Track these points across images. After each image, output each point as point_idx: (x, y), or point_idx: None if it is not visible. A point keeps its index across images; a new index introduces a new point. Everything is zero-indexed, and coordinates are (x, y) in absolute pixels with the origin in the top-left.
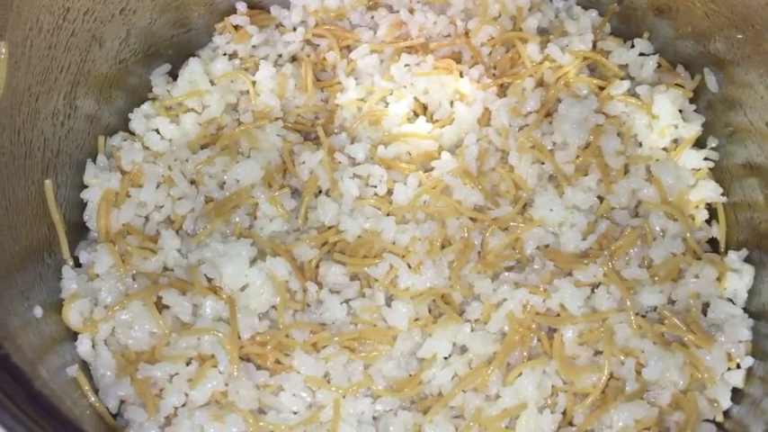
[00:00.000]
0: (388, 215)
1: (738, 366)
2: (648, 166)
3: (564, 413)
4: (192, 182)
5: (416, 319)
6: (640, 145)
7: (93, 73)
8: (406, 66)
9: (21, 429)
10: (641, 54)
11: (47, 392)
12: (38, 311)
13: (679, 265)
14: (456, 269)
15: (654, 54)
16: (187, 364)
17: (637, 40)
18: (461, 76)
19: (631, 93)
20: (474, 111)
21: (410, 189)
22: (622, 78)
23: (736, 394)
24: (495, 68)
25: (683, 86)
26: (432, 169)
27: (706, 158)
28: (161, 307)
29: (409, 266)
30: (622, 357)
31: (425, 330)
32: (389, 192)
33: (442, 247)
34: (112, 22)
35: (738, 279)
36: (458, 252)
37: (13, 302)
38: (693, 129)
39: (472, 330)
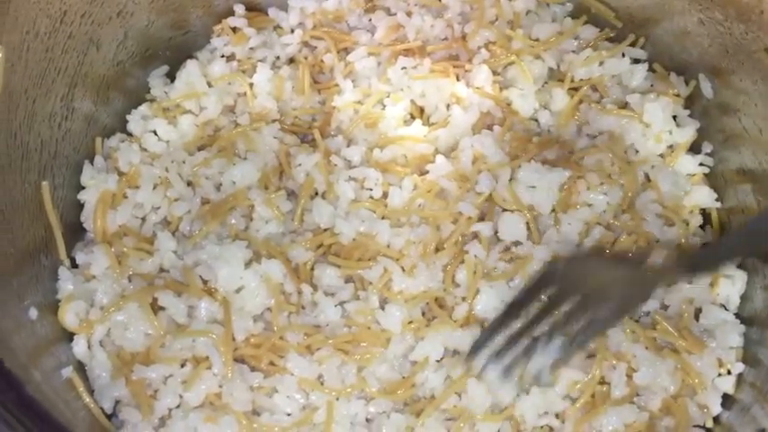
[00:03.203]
0: (383, 218)
1: (729, 372)
2: (646, 172)
3: (556, 416)
4: (189, 183)
5: (410, 322)
6: (637, 152)
7: (91, 75)
8: (403, 69)
9: None
10: (635, 61)
11: (39, 397)
12: (33, 313)
13: None
14: (450, 273)
15: (646, 62)
16: (182, 366)
17: (628, 49)
18: (458, 79)
19: (623, 102)
20: (470, 115)
21: (405, 192)
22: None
23: (727, 400)
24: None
25: (678, 94)
26: (427, 172)
27: (701, 164)
28: (156, 308)
29: (403, 270)
30: (614, 362)
31: (418, 333)
32: (385, 195)
33: (437, 250)
34: (110, 24)
35: (731, 285)
36: (451, 256)
37: (8, 304)
38: (688, 134)
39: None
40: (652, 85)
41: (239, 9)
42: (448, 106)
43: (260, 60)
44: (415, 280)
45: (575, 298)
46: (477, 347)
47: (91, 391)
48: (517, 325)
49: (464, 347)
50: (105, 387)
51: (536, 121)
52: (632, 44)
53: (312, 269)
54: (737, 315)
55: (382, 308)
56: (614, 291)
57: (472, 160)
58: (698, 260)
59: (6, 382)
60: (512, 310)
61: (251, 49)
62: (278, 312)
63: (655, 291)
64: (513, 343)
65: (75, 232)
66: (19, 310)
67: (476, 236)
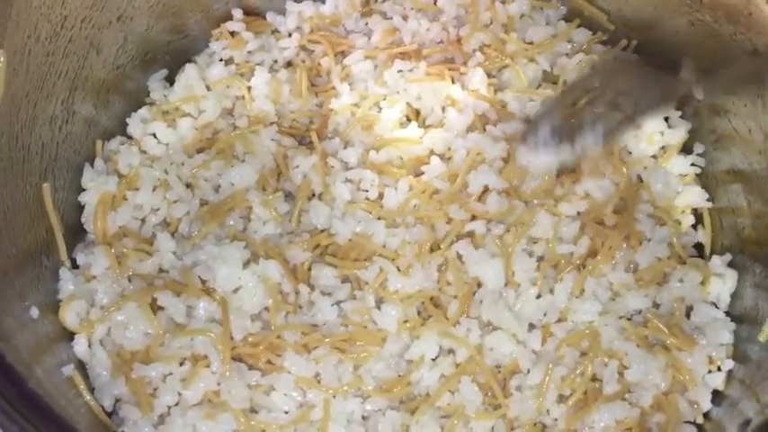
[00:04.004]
0: (378, 219)
1: (719, 369)
2: (639, 173)
3: (548, 412)
4: (188, 185)
5: (405, 322)
6: (630, 154)
7: (91, 79)
8: (399, 72)
9: (14, 428)
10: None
11: (41, 392)
12: (34, 312)
13: (664, 270)
14: (444, 273)
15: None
16: (180, 365)
17: (620, 53)
18: (453, 81)
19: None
20: (465, 117)
21: (400, 193)
22: None
23: (716, 396)
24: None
25: None
26: (422, 174)
27: (693, 164)
28: (156, 308)
29: (399, 270)
30: (606, 359)
31: (413, 332)
32: (380, 196)
33: (431, 250)
34: (110, 28)
35: (722, 283)
36: (446, 256)
37: (10, 304)
38: (679, 134)
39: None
40: None
41: (237, 13)
42: (443, 108)
43: (258, 64)
44: (411, 280)
45: (612, 94)
46: (529, 129)
47: (91, 390)
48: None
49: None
50: (105, 385)
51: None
52: (624, 48)
53: (309, 269)
54: (728, 313)
55: (378, 307)
56: (646, 92)
57: (467, 160)
58: (724, 77)
59: (8, 378)
60: (559, 101)
61: (249, 52)
62: (275, 312)
63: (678, 96)
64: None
65: (76, 233)
66: (21, 310)
67: (471, 235)
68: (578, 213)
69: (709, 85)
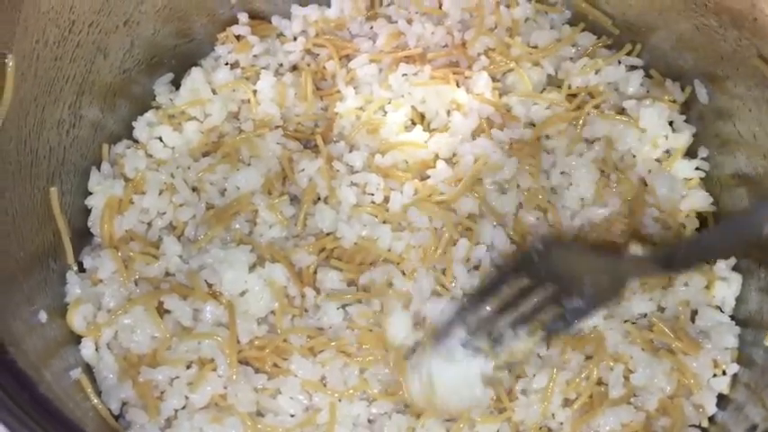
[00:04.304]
0: (384, 223)
1: (724, 373)
2: (643, 177)
3: (553, 416)
4: (194, 189)
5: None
6: (634, 157)
7: (98, 83)
8: (403, 75)
9: None
10: (632, 68)
11: (51, 396)
12: (42, 316)
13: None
14: (448, 276)
15: (642, 69)
16: (187, 368)
17: (624, 57)
18: (458, 85)
19: (619, 108)
20: (470, 121)
21: (406, 197)
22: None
23: (722, 400)
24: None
25: (674, 100)
26: (428, 178)
27: (697, 168)
28: (162, 311)
29: (404, 273)
30: (611, 363)
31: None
32: (386, 200)
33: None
34: (117, 33)
35: (726, 287)
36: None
37: (19, 307)
38: (683, 138)
39: None
40: (648, 91)
41: (243, 17)
42: (448, 112)
43: (263, 68)
44: (416, 284)
45: (549, 286)
46: (447, 327)
47: (98, 393)
48: (489, 308)
49: None
50: (112, 388)
51: (533, 125)
52: (629, 53)
53: (315, 273)
54: (733, 317)
55: (384, 311)
56: (589, 281)
57: (474, 167)
58: (674, 256)
59: (20, 383)
60: (486, 292)
61: (254, 56)
62: (281, 315)
63: (629, 283)
64: (484, 326)
65: (83, 237)
66: (29, 314)
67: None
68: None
69: (660, 264)
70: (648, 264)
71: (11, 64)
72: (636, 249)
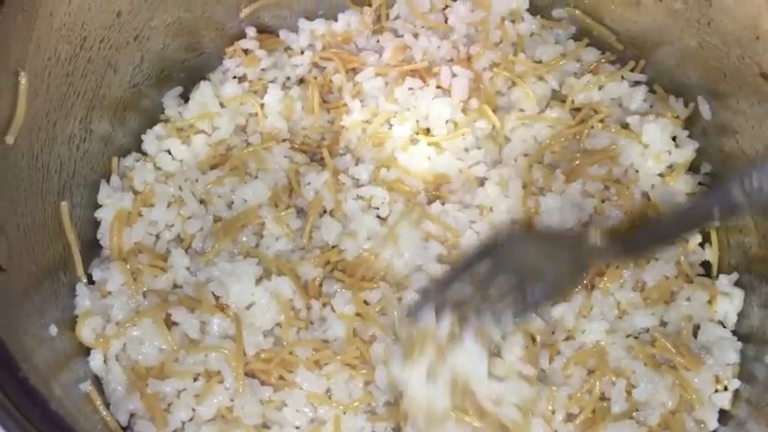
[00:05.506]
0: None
1: (726, 388)
2: (646, 191)
3: None
4: (202, 201)
5: None
6: (637, 172)
7: (108, 97)
8: (409, 89)
9: None
10: (636, 83)
11: (62, 412)
12: (53, 329)
13: (671, 288)
14: None
15: (645, 84)
16: (194, 380)
17: (627, 74)
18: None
19: (623, 123)
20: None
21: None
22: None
23: (723, 416)
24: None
25: (677, 116)
26: (433, 191)
27: (700, 183)
28: (170, 324)
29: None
30: (614, 378)
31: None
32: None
33: None
34: (127, 48)
35: (729, 302)
36: None
37: (30, 321)
38: (687, 154)
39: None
40: (651, 107)
41: (251, 31)
42: (455, 125)
43: (271, 81)
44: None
45: (509, 275)
46: (413, 311)
47: (107, 405)
48: (451, 295)
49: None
50: (121, 400)
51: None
52: (633, 68)
53: (320, 285)
54: (735, 332)
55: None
56: (549, 268)
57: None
58: (630, 242)
59: (32, 400)
60: (449, 279)
61: (262, 70)
62: (287, 328)
63: (588, 270)
64: (451, 306)
65: (92, 249)
66: (40, 327)
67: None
68: None
69: (619, 249)
70: (607, 250)
71: (23, 81)
72: (595, 236)
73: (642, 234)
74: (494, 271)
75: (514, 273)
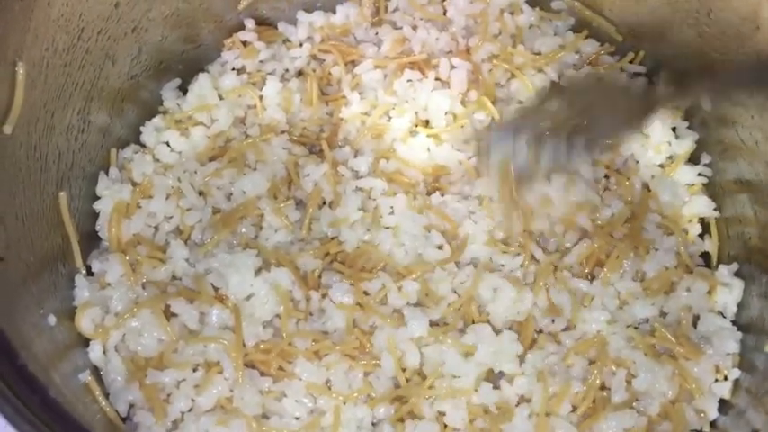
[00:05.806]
0: (386, 228)
1: (726, 378)
2: (646, 182)
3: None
4: (201, 193)
5: None
6: (637, 163)
7: (107, 89)
8: (408, 81)
9: None
10: (635, 74)
11: (61, 399)
12: (51, 319)
13: (671, 279)
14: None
15: (644, 75)
16: (194, 371)
17: (627, 65)
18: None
19: None
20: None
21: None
22: None
23: (723, 405)
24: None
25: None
26: (432, 183)
27: (700, 174)
28: (169, 315)
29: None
30: (614, 368)
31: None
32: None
33: None
34: (125, 39)
35: (728, 293)
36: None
37: (28, 311)
38: (686, 145)
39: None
40: None
41: (249, 23)
42: (454, 117)
43: (269, 73)
44: None
45: (579, 110)
46: (489, 144)
47: (106, 395)
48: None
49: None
50: (120, 391)
51: None
52: (632, 60)
53: (320, 277)
54: (734, 322)
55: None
56: (614, 109)
57: None
58: (695, 86)
59: (30, 387)
60: (521, 119)
61: (261, 62)
62: (287, 319)
63: (659, 108)
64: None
65: (91, 241)
66: (39, 317)
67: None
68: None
69: (689, 95)
70: (675, 93)
71: (21, 71)
72: (664, 86)
73: (711, 78)
74: (561, 109)
75: (581, 112)
